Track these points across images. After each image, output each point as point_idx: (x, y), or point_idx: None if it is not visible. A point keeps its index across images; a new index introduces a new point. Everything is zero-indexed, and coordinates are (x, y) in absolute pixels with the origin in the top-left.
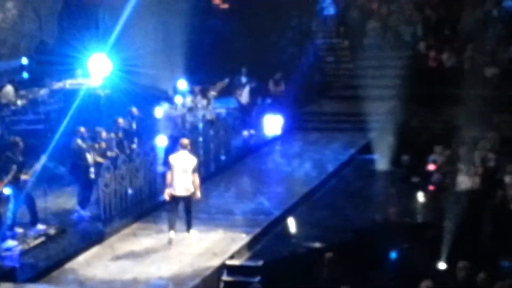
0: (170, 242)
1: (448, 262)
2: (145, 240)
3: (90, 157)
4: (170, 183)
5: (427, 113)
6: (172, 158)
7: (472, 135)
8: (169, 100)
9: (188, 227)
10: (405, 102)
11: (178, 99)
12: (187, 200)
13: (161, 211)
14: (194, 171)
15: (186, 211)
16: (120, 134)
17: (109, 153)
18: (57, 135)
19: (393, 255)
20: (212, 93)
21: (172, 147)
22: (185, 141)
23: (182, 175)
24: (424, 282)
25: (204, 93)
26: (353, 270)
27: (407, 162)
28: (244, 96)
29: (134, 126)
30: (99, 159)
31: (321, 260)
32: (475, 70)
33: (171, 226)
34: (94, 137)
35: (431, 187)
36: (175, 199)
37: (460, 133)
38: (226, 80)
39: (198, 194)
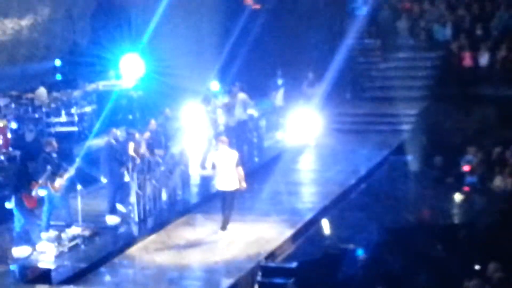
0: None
1: (481, 263)
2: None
3: (124, 158)
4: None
5: (460, 114)
6: (214, 156)
7: (506, 135)
8: (206, 101)
9: (224, 225)
10: (437, 103)
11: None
12: (231, 195)
13: (196, 212)
14: (237, 165)
15: (228, 207)
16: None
17: (143, 155)
18: (91, 137)
19: (426, 256)
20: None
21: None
22: (222, 137)
23: (225, 171)
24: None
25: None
26: (387, 271)
27: (440, 163)
28: (279, 98)
29: (168, 126)
30: (135, 157)
31: (355, 261)
32: (508, 70)
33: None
34: (128, 139)
35: (465, 188)
36: (222, 194)
37: (493, 133)
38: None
39: (244, 184)
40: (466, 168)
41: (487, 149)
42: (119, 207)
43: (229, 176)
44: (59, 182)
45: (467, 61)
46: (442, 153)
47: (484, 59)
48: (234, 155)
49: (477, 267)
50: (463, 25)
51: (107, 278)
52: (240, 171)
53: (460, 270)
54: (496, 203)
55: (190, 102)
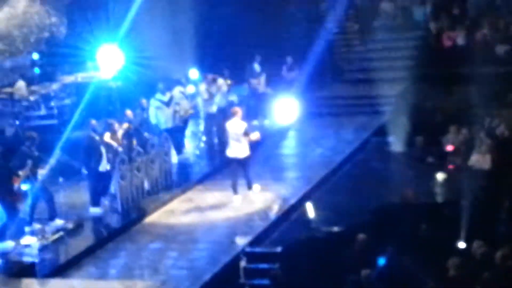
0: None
1: (466, 241)
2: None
3: (103, 149)
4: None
5: (440, 94)
6: (227, 125)
7: (486, 113)
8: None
9: (248, 184)
10: (417, 83)
11: (190, 88)
12: (243, 162)
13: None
14: (245, 134)
15: (244, 171)
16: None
17: (123, 145)
18: (70, 129)
19: (411, 236)
20: (228, 82)
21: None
22: (235, 108)
23: (235, 139)
24: (452, 259)
25: (215, 82)
26: (373, 253)
27: (421, 143)
28: (262, 84)
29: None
30: (114, 150)
31: (341, 243)
32: (487, 48)
33: (233, 187)
34: (107, 129)
35: (449, 167)
36: (233, 161)
37: (474, 112)
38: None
39: (254, 137)
40: (450, 147)
41: (468, 128)
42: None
43: (239, 145)
44: (41, 172)
45: (447, 41)
46: (423, 133)
47: (462, 39)
48: (242, 125)
49: (461, 245)
50: (442, 5)
51: (92, 269)
52: (249, 137)
53: (444, 249)
54: (477, 180)
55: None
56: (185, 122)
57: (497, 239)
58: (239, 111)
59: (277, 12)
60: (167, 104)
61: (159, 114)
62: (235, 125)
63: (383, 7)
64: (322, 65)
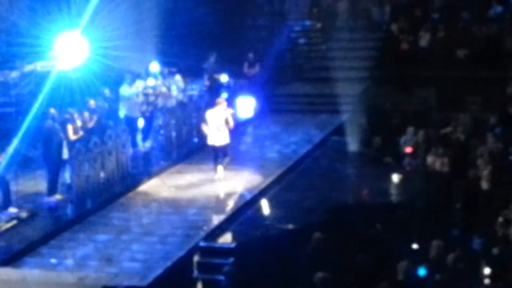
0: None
1: (420, 242)
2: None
3: (62, 138)
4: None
5: (399, 95)
6: (207, 114)
7: (444, 116)
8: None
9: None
10: (377, 84)
11: (150, 81)
12: (222, 149)
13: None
14: (226, 122)
15: (223, 156)
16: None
17: (81, 135)
18: (29, 118)
19: (366, 235)
20: (181, 77)
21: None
22: (219, 99)
23: (216, 128)
24: (401, 262)
25: (172, 76)
26: (326, 252)
27: (378, 144)
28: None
29: (106, 106)
30: (72, 140)
31: (296, 241)
32: (447, 52)
33: (215, 169)
34: (66, 118)
35: (407, 168)
36: (213, 148)
37: (431, 114)
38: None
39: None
40: (408, 149)
41: (425, 130)
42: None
43: (218, 133)
44: None
45: (407, 43)
46: (381, 133)
47: (423, 41)
48: (223, 115)
49: (415, 246)
50: (402, 7)
51: (45, 260)
52: (229, 125)
53: (397, 250)
54: (432, 182)
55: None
56: (151, 114)
57: (450, 241)
58: (222, 101)
59: (240, 8)
60: (136, 94)
61: (128, 104)
62: (217, 115)
63: (342, 7)
64: (283, 62)
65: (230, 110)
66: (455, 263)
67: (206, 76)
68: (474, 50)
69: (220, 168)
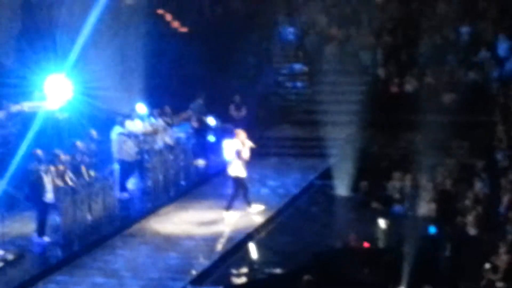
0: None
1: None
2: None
3: (47, 180)
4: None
5: (386, 139)
6: (224, 143)
7: (431, 161)
8: (120, 123)
9: (248, 203)
10: (364, 128)
11: (137, 123)
12: (237, 181)
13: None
14: (237, 155)
15: (237, 190)
16: (79, 157)
17: (68, 177)
18: (16, 159)
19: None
20: (176, 119)
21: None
22: (237, 130)
23: (230, 159)
24: None
25: (162, 117)
26: None
27: (366, 188)
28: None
29: (93, 148)
30: (58, 182)
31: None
32: (434, 96)
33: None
34: (52, 160)
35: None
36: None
37: (418, 159)
38: (190, 112)
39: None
40: (397, 195)
41: (412, 175)
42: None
43: (232, 164)
44: None
45: (394, 87)
46: (368, 177)
47: (410, 86)
48: (234, 147)
49: None
50: (389, 51)
51: None
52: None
53: None
54: (420, 228)
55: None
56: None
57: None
58: (240, 133)
59: (227, 51)
60: (129, 136)
61: (124, 147)
62: (231, 146)
63: (330, 51)
64: (269, 105)
65: (248, 143)
66: None
67: (194, 118)
68: (461, 94)
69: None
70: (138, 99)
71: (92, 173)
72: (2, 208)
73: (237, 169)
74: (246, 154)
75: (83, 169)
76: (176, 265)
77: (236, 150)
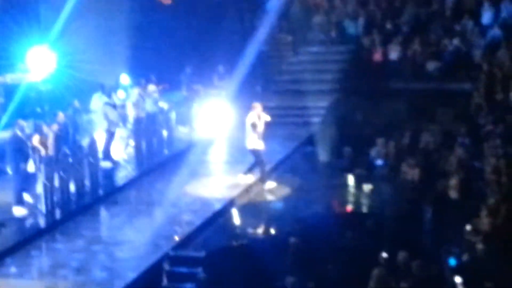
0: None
1: (390, 251)
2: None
3: (29, 149)
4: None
5: (370, 107)
6: (251, 118)
7: (414, 128)
8: (108, 93)
9: (261, 178)
10: (347, 96)
11: (120, 94)
12: (253, 153)
13: (103, 205)
14: (253, 128)
15: (255, 163)
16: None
17: (50, 146)
18: None
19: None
20: (156, 88)
21: (109, 141)
22: (254, 103)
23: (248, 132)
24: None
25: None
26: (297, 260)
27: (349, 154)
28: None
29: (76, 118)
30: (41, 151)
31: (267, 250)
32: (418, 64)
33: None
34: (35, 130)
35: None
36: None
37: (402, 125)
38: (167, 85)
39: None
40: (379, 161)
41: (396, 141)
42: (26, 197)
43: (249, 137)
44: None
45: (378, 55)
46: (351, 144)
47: (394, 54)
48: (249, 119)
49: (384, 255)
50: (374, 20)
51: (14, 269)
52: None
53: (368, 259)
54: (403, 192)
55: (97, 94)
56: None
57: (419, 249)
58: (256, 106)
59: (212, 21)
60: (114, 106)
61: (109, 116)
62: (248, 119)
63: (316, 21)
64: (253, 75)
65: (264, 116)
66: (419, 271)
67: (184, 87)
68: (444, 62)
69: (241, 175)
70: (122, 71)
71: (75, 142)
72: None
73: (253, 142)
74: (261, 127)
75: (65, 138)
76: (159, 231)
77: (251, 123)
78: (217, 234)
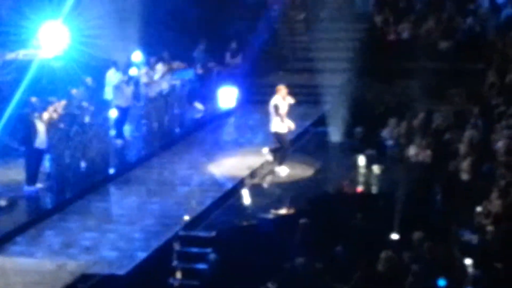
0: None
1: (400, 232)
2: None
3: (40, 126)
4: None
5: (382, 87)
6: (276, 101)
7: (426, 108)
8: (122, 70)
9: (279, 162)
10: (360, 75)
11: (132, 71)
12: (276, 136)
13: (114, 183)
14: (275, 109)
15: (278, 147)
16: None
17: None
18: (10, 107)
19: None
20: (172, 66)
21: (122, 119)
22: (278, 86)
23: (272, 116)
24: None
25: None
26: (307, 241)
27: (360, 134)
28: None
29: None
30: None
31: (278, 230)
32: (430, 44)
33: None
34: (46, 107)
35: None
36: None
37: (414, 106)
38: (183, 64)
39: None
40: (390, 142)
41: (408, 121)
42: (37, 175)
43: (273, 121)
44: None
45: (391, 34)
46: (363, 124)
47: (407, 33)
48: (272, 103)
49: (395, 236)
50: None
51: (24, 248)
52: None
53: (378, 240)
54: (414, 173)
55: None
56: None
57: (430, 231)
58: (281, 89)
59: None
60: (127, 83)
61: (118, 93)
62: (272, 102)
63: None
64: (266, 52)
65: (289, 99)
66: (430, 253)
67: (198, 65)
68: (457, 41)
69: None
70: (135, 48)
71: (87, 119)
72: None
73: (276, 125)
74: (284, 110)
75: (78, 115)
76: (170, 211)
77: (274, 105)
78: (227, 214)
